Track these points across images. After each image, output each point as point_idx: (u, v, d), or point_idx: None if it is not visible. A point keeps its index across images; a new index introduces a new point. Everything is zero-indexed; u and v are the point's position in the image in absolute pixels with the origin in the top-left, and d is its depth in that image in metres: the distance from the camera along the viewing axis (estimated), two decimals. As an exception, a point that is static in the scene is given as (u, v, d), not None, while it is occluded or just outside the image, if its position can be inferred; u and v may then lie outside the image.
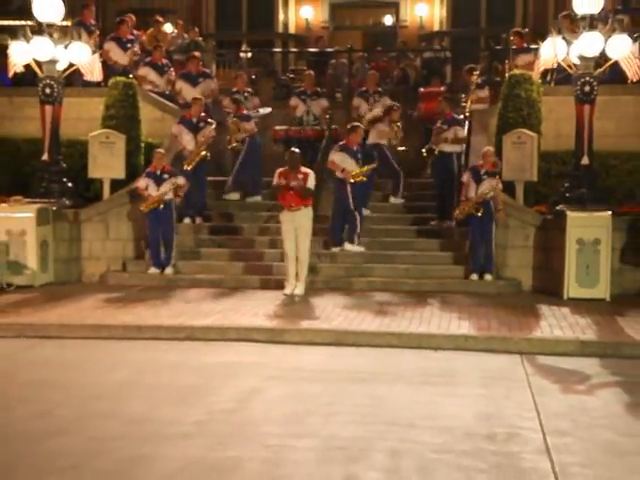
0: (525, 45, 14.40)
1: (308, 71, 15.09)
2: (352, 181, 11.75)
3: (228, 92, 14.24)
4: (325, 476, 5.09)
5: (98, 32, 14.46)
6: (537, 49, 11.89)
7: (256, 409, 6.49)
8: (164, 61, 14.79)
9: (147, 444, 5.63)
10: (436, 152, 12.50)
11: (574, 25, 10.99)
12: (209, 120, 12.74)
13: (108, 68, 13.83)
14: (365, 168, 11.87)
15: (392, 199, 13.25)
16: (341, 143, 12.02)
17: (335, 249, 12.00)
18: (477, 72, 13.65)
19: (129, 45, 14.46)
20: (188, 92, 13.84)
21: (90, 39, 13.46)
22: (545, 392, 7.02)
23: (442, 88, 14.40)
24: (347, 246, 11.99)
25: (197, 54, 14.89)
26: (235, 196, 13.38)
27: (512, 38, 14.55)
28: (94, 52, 12.86)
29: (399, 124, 13.05)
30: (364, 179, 11.88)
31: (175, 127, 12.73)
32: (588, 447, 5.64)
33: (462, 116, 12.89)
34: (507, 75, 13.18)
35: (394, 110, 13.23)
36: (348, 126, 12.23)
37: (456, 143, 12.52)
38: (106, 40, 14.51)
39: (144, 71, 14.43)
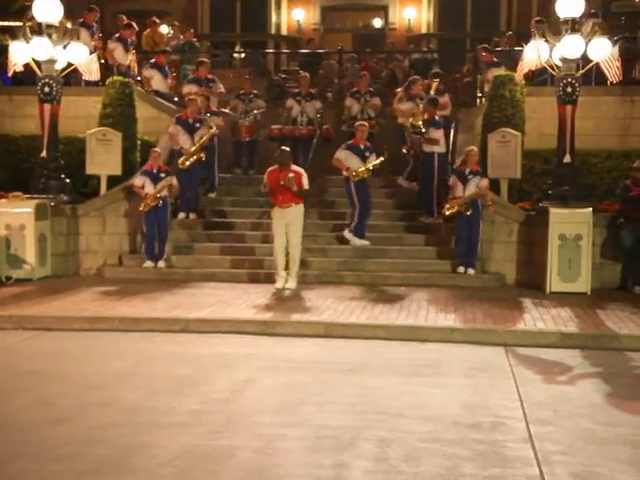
0: (495, 59, 14.60)
1: (304, 74, 15.26)
2: (356, 179, 11.94)
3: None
4: (315, 464, 5.13)
5: (100, 34, 14.78)
6: (521, 51, 12.11)
7: (249, 399, 6.57)
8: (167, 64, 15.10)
9: (143, 433, 5.70)
10: (411, 152, 12.79)
11: (543, 30, 11.25)
12: (208, 122, 12.91)
13: (108, 68, 14.15)
14: (370, 164, 12.02)
15: (400, 179, 13.54)
16: (348, 142, 12.19)
17: (352, 237, 12.18)
18: (437, 80, 13.94)
19: (131, 47, 14.87)
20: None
21: (92, 40, 13.88)
22: (528, 382, 7.13)
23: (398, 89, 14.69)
24: (347, 234, 12.20)
25: (206, 60, 15.17)
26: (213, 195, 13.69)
27: (483, 54, 14.71)
28: (94, 52, 13.13)
29: (420, 105, 13.08)
30: (369, 174, 12.07)
31: (172, 127, 12.87)
32: (570, 436, 5.73)
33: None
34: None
35: (414, 83, 13.34)
36: (355, 124, 12.47)
37: (429, 143, 12.62)
38: (111, 40, 14.83)
39: (149, 72, 14.67)
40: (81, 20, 14.54)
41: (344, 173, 12.07)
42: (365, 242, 12.23)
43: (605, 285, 11.44)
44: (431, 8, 23.31)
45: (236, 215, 13.22)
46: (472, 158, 11.67)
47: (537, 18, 11.94)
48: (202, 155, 12.70)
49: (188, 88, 14.24)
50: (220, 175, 13.96)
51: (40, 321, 9.21)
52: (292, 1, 23.77)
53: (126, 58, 14.70)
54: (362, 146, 12.11)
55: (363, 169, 11.96)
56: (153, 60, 15.01)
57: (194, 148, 12.60)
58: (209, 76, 14.51)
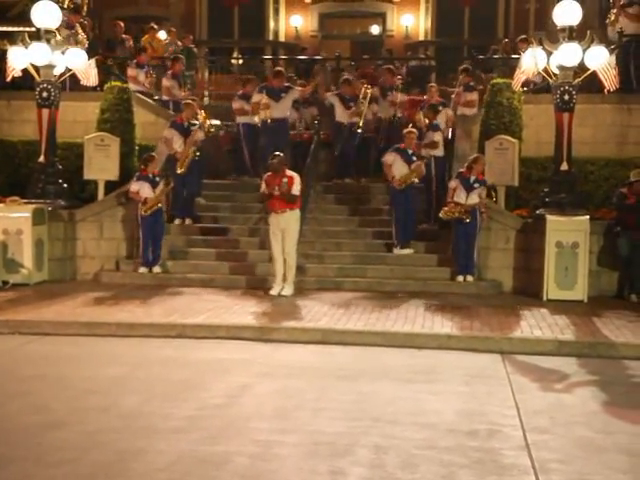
0: (471, 83, 14.57)
1: (300, 81, 15.21)
2: (402, 187, 11.93)
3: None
4: (311, 471, 5.15)
5: (152, 72, 15.22)
6: (518, 59, 12.20)
7: (245, 405, 6.60)
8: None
9: (140, 438, 5.72)
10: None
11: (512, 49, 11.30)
12: (198, 124, 12.90)
13: (162, 103, 14.78)
14: (412, 171, 11.98)
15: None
16: (396, 146, 12.18)
17: (398, 250, 12.16)
18: (371, 89, 13.91)
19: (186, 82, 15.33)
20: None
21: (147, 79, 14.72)
22: (525, 390, 7.17)
23: (424, 97, 14.70)
24: (396, 251, 12.19)
25: (282, 69, 14.95)
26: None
27: (461, 76, 14.62)
28: (148, 90, 14.50)
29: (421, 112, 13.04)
30: (415, 180, 12.04)
31: (167, 131, 12.87)
32: (566, 444, 5.75)
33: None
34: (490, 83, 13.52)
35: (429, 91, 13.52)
36: (404, 131, 12.43)
37: (429, 147, 12.57)
38: (167, 78, 14.89)
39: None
40: (135, 61, 14.97)
41: (390, 180, 12.06)
42: (407, 251, 12.14)
43: (602, 293, 11.46)
44: (429, 15, 23.40)
45: (233, 221, 13.19)
46: (479, 167, 11.63)
47: (505, 40, 11.92)
48: (195, 151, 12.56)
49: (257, 97, 13.57)
50: (218, 181, 13.92)
51: (37, 326, 9.22)
52: (290, 8, 23.82)
53: (180, 93, 14.71)
54: (410, 151, 12.13)
55: (407, 174, 11.95)
56: (170, 72, 14.92)
57: (185, 150, 12.53)
58: (285, 84, 13.96)
